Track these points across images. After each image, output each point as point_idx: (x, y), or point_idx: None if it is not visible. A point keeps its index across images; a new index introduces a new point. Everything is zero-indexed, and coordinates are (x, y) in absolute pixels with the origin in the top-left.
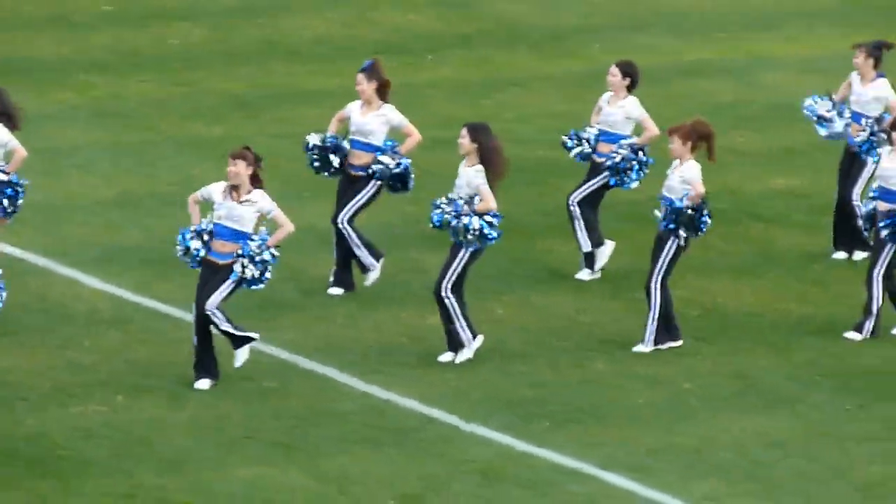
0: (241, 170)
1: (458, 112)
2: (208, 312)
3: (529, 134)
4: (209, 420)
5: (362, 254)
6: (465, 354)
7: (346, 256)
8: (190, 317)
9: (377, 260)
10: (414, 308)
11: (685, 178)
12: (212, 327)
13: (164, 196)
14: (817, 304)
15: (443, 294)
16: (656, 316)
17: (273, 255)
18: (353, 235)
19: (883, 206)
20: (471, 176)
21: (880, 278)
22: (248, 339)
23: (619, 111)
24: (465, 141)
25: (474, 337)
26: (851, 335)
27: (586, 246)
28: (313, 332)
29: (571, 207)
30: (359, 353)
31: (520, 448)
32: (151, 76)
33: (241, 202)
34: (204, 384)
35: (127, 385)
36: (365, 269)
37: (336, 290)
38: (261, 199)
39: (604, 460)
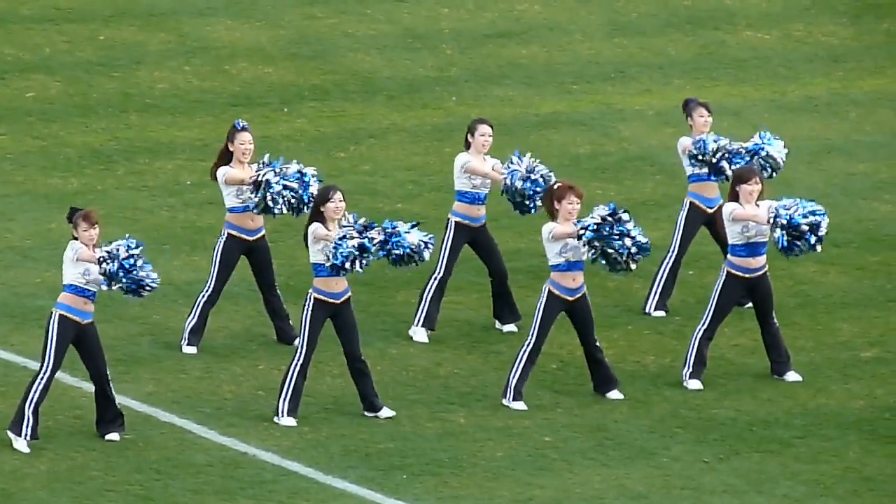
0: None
1: (316, 165)
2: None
3: (386, 186)
4: (67, 472)
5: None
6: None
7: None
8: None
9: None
10: (269, 360)
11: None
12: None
13: (21, 250)
14: (675, 355)
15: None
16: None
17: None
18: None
19: None
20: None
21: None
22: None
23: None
24: None
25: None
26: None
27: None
28: (171, 385)
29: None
30: (215, 405)
31: (378, 501)
32: (7, 129)
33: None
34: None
35: None
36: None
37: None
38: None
39: None
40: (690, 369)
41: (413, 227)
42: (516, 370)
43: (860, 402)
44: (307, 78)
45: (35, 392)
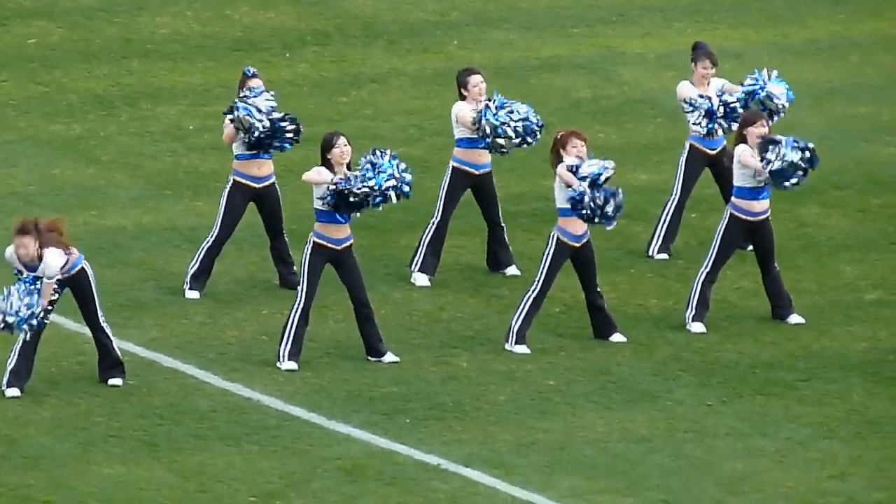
0: (31, 246)
1: (318, 109)
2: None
3: (387, 131)
4: (71, 418)
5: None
6: None
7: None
8: (53, 318)
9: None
10: (272, 306)
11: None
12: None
13: (25, 195)
14: (678, 298)
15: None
16: None
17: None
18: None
19: None
20: None
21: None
22: None
23: None
24: None
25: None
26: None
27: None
28: (174, 330)
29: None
30: (219, 350)
31: (382, 445)
32: (10, 75)
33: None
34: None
35: None
36: None
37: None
38: (46, 266)
39: (466, 457)
40: (693, 312)
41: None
42: (519, 315)
43: (863, 344)
44: (308, 22)
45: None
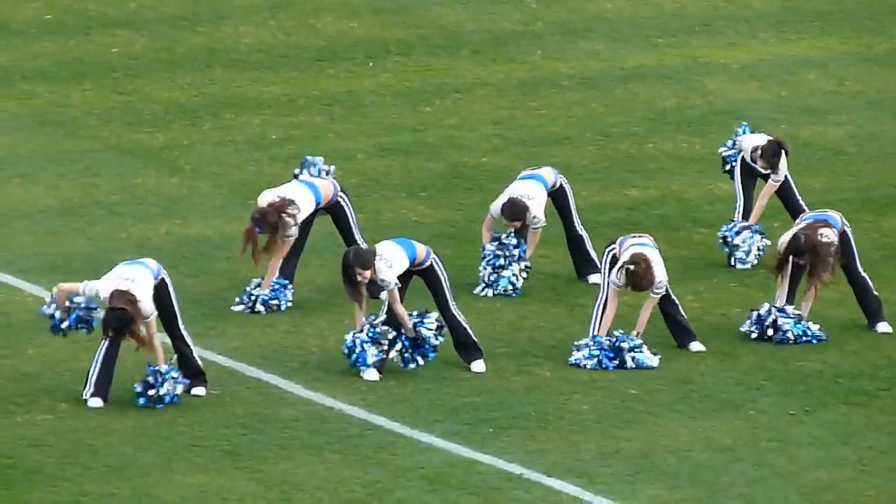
0: None
1: (401, 119)
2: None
3: (472, 140)
4: (154, 427)
5: None
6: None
7: None
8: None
9: None
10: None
11: None
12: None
13: (108, 205)
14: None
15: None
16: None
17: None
18: None
19: None
20: None
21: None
22: None
23: None
24: None
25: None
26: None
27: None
28: (257, 339)
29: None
30: (301, 360)
31: (465, 454)
32: (93, 85)
33: None
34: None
35: (72, 393)
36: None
37: None
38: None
39: (549, 466)
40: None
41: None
42: (594, 325)
43: None
44: (392, 32)
45: (101, 350)
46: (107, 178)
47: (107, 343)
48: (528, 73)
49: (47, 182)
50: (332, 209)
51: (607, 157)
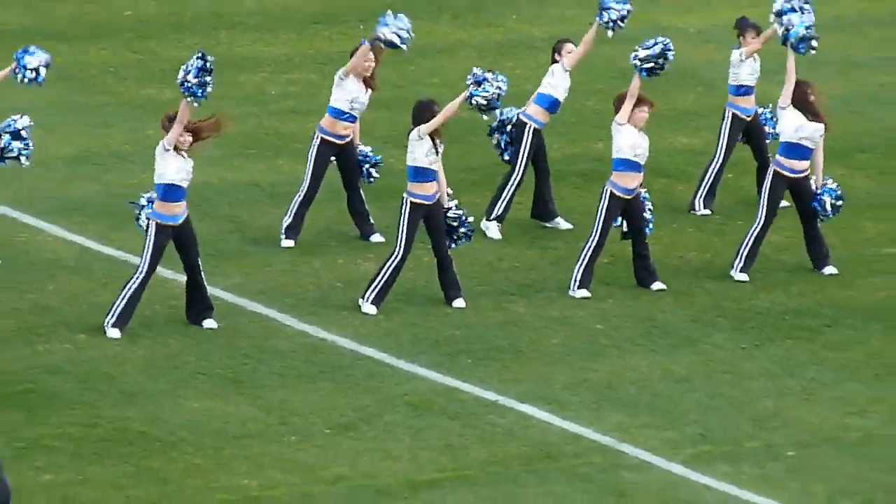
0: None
1: (386, 76)
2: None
3: (452, 97)
4: (164, 357)
5: None
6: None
7: None
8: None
9: None
10: (347, 256)
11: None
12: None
13: (121, 154)
14: (716, 251)
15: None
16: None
17: None
18: None
19: None
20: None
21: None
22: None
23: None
24: None
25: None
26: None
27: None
28: (257, 277)
29: None
30: (298, 296)
31: (446, 383)
32: (108, 44)
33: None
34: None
35: (89, 325)
36: None
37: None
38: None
39: (521, 394)
40: (742, 263)
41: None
42: (580, 265)
43: (882, 294)
44: None
45: (130, 288)
46: (119, 129)
47: (139, 279)
48: (503, 35)
49: (65, 132)
50: (344, 155)
51: (575, 113)
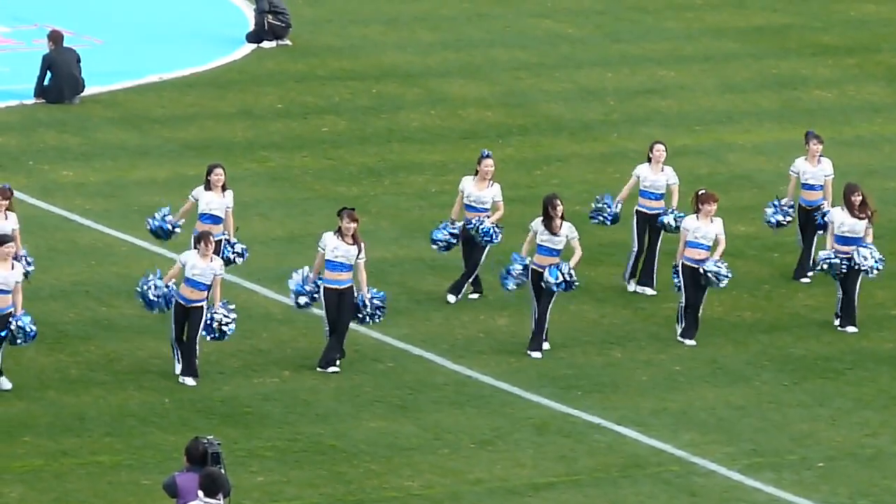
0: None
1: (520, 179)
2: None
3: (569, 195)
4: (349, 388)
5: None
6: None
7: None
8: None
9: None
10: (488, 313)
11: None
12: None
13: (318, 236)
14: (765, 312)
15: None
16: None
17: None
18: None
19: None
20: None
21: None
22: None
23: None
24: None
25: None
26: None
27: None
28: (419, 328)
29: None
30: (451, 343)
31: (561, 409)
32: (309, 153)
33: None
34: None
35: (293, 364)
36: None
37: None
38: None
39: (618, 418)
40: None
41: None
42: (679, 319)
43: (890, 345)
44: (515, 119)
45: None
46: (318, 217)
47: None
48: (607, 149)
49: (277, 220)
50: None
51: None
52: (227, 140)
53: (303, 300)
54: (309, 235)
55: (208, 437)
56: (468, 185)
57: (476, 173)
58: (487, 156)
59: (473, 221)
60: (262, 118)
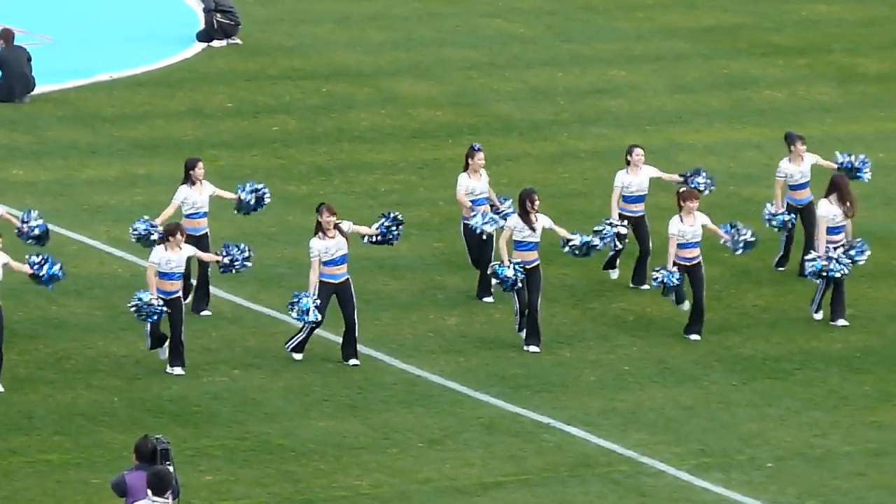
0: None
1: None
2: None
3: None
4: (297, 388)
5: None
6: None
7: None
8: (282, 317)
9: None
10: (437, 312)
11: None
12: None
13: (268, 234)
14: (714, 312)
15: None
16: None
17: None
18: None
19: None
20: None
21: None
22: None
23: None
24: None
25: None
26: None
27: None
28: (369, 328)
29: None
30: (400, 342)
31: (510, 409)
32: (259, 152)
33: None
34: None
35: (241, 363)
36: None
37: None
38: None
39: (567, 418)
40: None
41: None
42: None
43: (839, 345)
44: (465, 119)
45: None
46: (268, 216)
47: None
48: (557, 148)
49: (227, 218)
50: None
51: (607, 205)
52: (177, 139)
53: (312, 316)
54: (259, 234)
55: (157, 435)
56: (466, 180)
57: (466, 168)
58: (479, 149)
59: (479, 215)
60: (213, 117)
